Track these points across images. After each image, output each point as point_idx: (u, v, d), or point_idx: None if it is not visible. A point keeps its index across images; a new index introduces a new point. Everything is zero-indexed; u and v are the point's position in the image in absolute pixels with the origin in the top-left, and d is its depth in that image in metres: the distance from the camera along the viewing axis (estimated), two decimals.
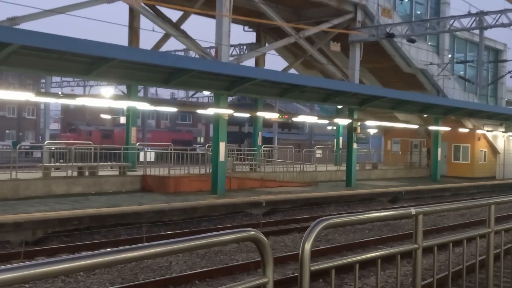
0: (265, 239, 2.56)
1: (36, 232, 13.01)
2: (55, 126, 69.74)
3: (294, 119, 35.45)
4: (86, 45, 15.09)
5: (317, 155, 34.03)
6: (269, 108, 43.76)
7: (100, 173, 20.73)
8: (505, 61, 37.67)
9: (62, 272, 1.96)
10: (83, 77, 24.70)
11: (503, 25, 23.46)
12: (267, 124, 43.54)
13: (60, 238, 13.22)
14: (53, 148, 23.92)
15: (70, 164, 20.07)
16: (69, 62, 16.11)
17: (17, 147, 22.83)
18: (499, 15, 23.53)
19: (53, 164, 20.83)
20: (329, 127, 51.10)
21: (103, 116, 54.94)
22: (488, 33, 26.26)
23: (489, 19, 23.92)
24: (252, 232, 2.53)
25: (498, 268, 5.27)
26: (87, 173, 20.17)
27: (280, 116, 30.30)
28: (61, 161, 21.43)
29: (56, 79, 49.90)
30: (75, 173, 19.87)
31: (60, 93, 35.01)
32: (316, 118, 32.99)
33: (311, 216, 17.79)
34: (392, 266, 9.85)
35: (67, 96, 21.02)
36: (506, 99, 41.40)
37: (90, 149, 21.57)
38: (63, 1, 26.55)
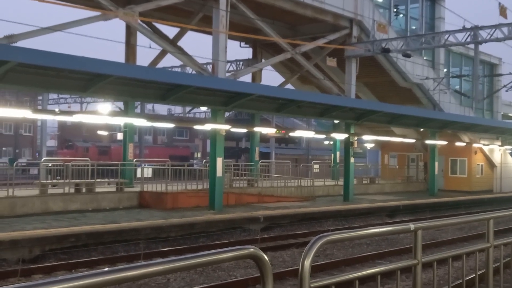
0: (265, 256, 2.55)
1: (33, 249, 12.93)
2: (52, 142, 69.62)
3: (291, 134, 35.50)
4: (83, 62, 15.12)
5: (314, 170, 34.04)
6: (266, 123, 43.81)
7: (97, 189, 20.66)
8: (500, 75, 37.88)
9: None
10: (80, 94, 24.75)
11: (497, 40, 23.62)
12: (264, 139, 43.58)
13: (57, 255, 13.14)
14: (50, 165, 23.88)
15: (67, 181, 20.00)
16: (66, 79, 16.13)
17: (14, 164, 22.77)
18: (493, 29, 23.70)
19: (50, 181, 20.77)
20: (326, 142, 51.14)
21: (100, 132, 54.90)
22: (483, 48, 26.44)
23: (483, 34, 24.09)
24: (252, 250, 2.52)
25: (497, 282, 5.25)
26: (84, 190, 20.10)
27: (277, 131, 30.36)
28: (58, 178, 21.37)
29: (53, 96, 49.88)
30: (72, 190, 19.80)
31: (57, 110, 35.00)
32: (313, 133, 33.00)
33: (309, 231, 17.74)
34: (391, 281, 9.80)
35: (64, 113, 21.01)
36: (502, 113, 41.56)
37: (87, 165, 21.52)
38: (60, 18, 26.67)
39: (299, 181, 26.88)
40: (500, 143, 37.69)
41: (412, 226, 3.81)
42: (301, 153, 57.60)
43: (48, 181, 20.56)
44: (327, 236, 3.03)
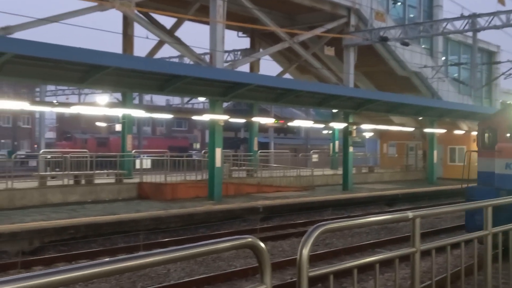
0: (263, 245, 2.56)
1: (33, 241, 12.96)
2: (50, 134, 69.56)
3: (290, 123, 35.49)
4: (81, 53, 15.07)
5: (313, 160, 34.03)
6: (264, 113, 43.77)
7: (96, 181, 20.67)
8: (499, 62, 37.84)
9: (60, 283, 1.95)
10: (78, 85, 24.69)
11: (495, 27, 23.56)
12: (263, 129, 43.55)
13: (57, 247, 13.17)
14: (48, 156, 23.87)
15: (66, 172, 20.01)
16: (64, 70, 16.09)
17: (13, 156, 22.80)
18: (491, 17, 23.64)
19: (49, 173, 20.77)
20: (325, 131, 51.15)
21: (98, 124, 54.85)
22: (481, 35, 26.40)
23: (482, 21, 24.03)
24: (250, 239, 2.53)
25: (496, 269, 5.28)
26: (83, 182, 20.11)
27: (276, 121, 30.33)
28: (57, 169, 21.37)
29: (50, 87, 49.81)
30: (71, 182, 19.81)
31: (55, 101, 34.94)
32: (312, 122, 32.99)
33: (308, 221, 17.78)
34: (390, 270, 9.84)
35: (62, 104, 21.01)
36: (501, 101, 41.54)
37: (86, 157, 21.51)
38: (56, 9, 26.54)
39: (298, 171, 26.91)
40: None
41: (410, 214, 3.82)
42: (300, 142, 57.60)
43: (47, 173, 20.56)
44: (325, 225, 3.04)
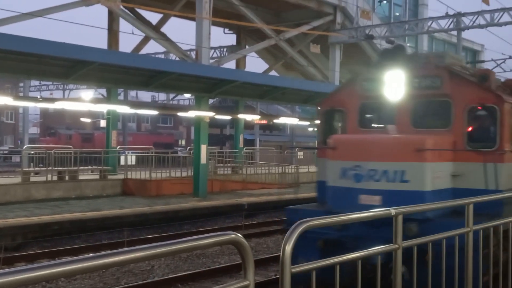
0: (246, 242, 2.57)
1: (16, 237, 12.86)
2: (34, 130, 68.92)
3: (276, 120, 35.54)
4: (65, 49, 14.97)
5: (298, 157, 34.10)
6: (250, 110, 43.74)
7: (81, 177, 20.55)
8: (483, 61, 38.03)
9: (42, 279, 1.96)
10: (63, 80, 24.53)
11: (480, 26, 23.79)
12: (249, 126, 43.52)
13: (40, 243, 13.09)
14: (32, 152, 23.68)
15: (50, 168, 19.87)
16: (48, 65, 15.96)
17: None
18: (476, 16, 23.85)
19: (32, 169, 20.62)
20: (310, 129, 51.24)
21: (83, 119, 54.50)
22: (465, 34, 26.59)
23: (466, 20, 24.23)
24: (233, 235, 2.54)
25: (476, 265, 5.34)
26: (67, 178, 19.99)
27: (261, 118, 30.33)
28: (41, 165, 21.22)
29: (34, 82, 49.34)
30: (55, 178, 19.68)
31: (39, 97, 34.64)
32: (297, 119, 33.03)
33: None
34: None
35: (46, 99, 20.84)
36: None
37: (70, 153, 21.37)
38: (41, 4, 26.28)
39: (283, 167, 26.95)
40: None
41: (392, 211, 3.86)
42: (285, 140, 57.63)
43: (30, 169, 20.41)
44: (308, 222, 3.06)
